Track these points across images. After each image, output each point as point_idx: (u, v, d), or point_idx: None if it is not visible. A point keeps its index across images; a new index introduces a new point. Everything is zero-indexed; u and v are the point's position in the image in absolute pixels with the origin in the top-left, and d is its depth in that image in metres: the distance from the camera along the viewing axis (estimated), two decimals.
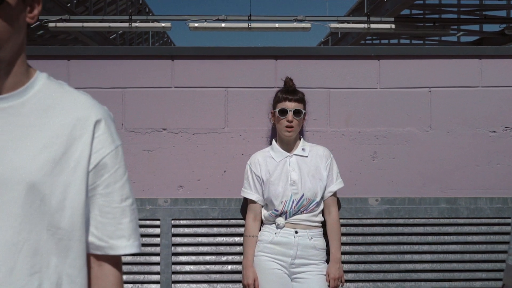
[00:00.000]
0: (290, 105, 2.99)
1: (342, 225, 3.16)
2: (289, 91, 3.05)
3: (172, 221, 3.23)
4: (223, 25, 10.55)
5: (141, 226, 3.19)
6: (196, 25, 10.20)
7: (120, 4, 17.56)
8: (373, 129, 3.31)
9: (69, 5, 12.71)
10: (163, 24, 10.56)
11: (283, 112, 2.99)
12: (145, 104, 3.31)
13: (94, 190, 1.23)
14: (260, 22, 11.04)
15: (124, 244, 1.25)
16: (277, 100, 3.06)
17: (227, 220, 3.25)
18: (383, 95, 3.33)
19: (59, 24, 9.99)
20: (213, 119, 3.30)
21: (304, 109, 3.06)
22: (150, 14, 17.09)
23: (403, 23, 11.24)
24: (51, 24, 10.07)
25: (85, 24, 10.17)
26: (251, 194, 3.03)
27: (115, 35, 18.35)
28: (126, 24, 10.24)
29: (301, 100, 3.05)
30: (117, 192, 1.25)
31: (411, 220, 3.27)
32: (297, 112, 2.99)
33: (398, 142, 3.31)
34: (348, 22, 11.24)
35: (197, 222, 3.25)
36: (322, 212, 3.03)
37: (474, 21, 12.54)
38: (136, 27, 10.20)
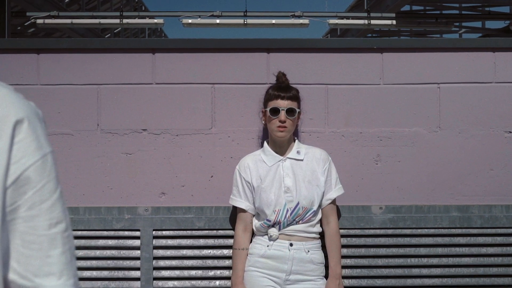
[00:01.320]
0: (283, 103, 2.81)
1: (342, 236, 3.00)
2: (282, 87, 2.87)
3: (154, 232, 3.06)
4: (217, 21, 10.47)
5: (119, 237, 3.04)
6: (190, 21, 10.10)
7: (115, 2, 17.40)
8: (376, 130, 3.14)
9: (61, 3, 12.57)
10: (155, 21, 10.45)
11: (275, 111, 2.80)
12: (123, 102, 3.12)
13: (15, 213, 0.96)
14: (256, 18, 11.00)
15: (53, 283, 0.98)
16: (268, 97, 2.87)
17: (215, 231, 3.08)
18: (387, 92, 3.15)
19: (48, 21, 9.84)
20: (198, 119, 3.12)
21: (299, 107, 2.88)
22: (143, 8, 16.94)
23: (404, 19, 11.14)
24: (39, 21, 9.93)
25: (75, 21, 10.01)
26: (240, 202, 2.85)
27: (109, 34, 18.20)
28: (117, 21, 10.08)
29: (295, 97, 2.86)
30: (45, 214, 0.98)
31: (419, 230, 3.10)
32: (290, 111, 2.80)
33: (403, 143, 3.13)
34: (347, 18, 11.15)
35: (181, 233, 3.07)
36: (320, 222, 2.86)
37: (478, 17, 12.42)
38: (127, 23, 10.03)
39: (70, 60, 3.12)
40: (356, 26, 11.13)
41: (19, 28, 14.00)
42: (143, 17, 10.68)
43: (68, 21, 9.97)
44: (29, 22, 11.78)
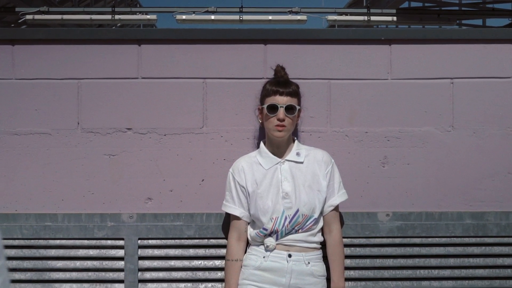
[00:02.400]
0: (282, 100, 2.65)
1: (346, 245, 2.89)
2: (280, 82, 2.71)
3: (139, 241, 2.93)
4: (212, 17, 10.35)
5: (102, 246, 2.92)
6: (184, 17, 9.98)
7: (109, 0, 17.23)
8: (383, 129, 3.01)
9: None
10: (148, 17, 10.29)
11: (273, 108, 2.64)
12: (106, 98, 2.97)
13: None
14: (253, 14, 10.89)
15: None
16: (265, 93, 2.72)
17: (206, 240, 2.95)
18: (395, 88, 3.01)
19: (37, 17, 9.67)
20: (188, 117, 2.98)
21: (299, 104, 2.72)
22: (138, 6, 16.87)
23: (405, 14, 11.03)
24: (28, 17, 9.75)
25: (65, 17, 9.83)
26: (234, 208, 2.71)
27: None
28: (109, 17, 9.89)
29: (295, 93, 2.70)
30: None
31: (430, 239, 2.98)
32: (289, 108, 2.64)
33: (413, 144, 3.00)
34: (346, 14, 11.04)
35: (169, 242, 2.95)
36: (322, 230, 2.72)
37: (481, 14, 12.29)
38: (119, 19, 9.84)
39: (48, 52, 2.97)
40: (356, 23, 10.97)
41: (12, 25, 13.82)
42: (136, 13, 10.52)
43: (59, 17, 9.80)
44: (23, 19, 11.62)
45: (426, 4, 13.77)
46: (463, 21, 13.78)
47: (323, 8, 11.35)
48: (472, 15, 12.13)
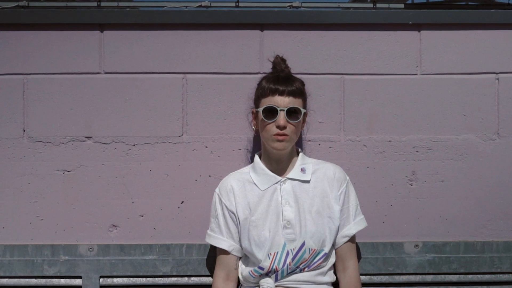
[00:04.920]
0: (282, 101, 2.36)
1: (364, 284, 2.60)
2: (281, 78, 2.42)
3: (101, 280, 2.66)
4: None
5: (53, 287, 2.71)
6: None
7: None
8: (410, 137, 2.75)
9: None
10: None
11: (271, 112, 2.35)
12: (59, 99, 2.69)
13: None
14: (250, 8, 10.88)
15: None
16: (261, 93, 2.43)
17: (186, 278, 2.68)
18: (425, 85, 2.74)
19: (17, 11, 9.55)
20: (164, 122, 2.72)
21: (304, 106, 2.43)
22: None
23: (413, 9, 11.01)
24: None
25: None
26: (221, 240, 2.43)
27: None
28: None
29: (299, 92, 2.41)
30: None
31: (469, 276, 2.72)
32: (292, 112, 2.36)
33: (448, 156, 2.74)
34: (350, 9, 11.09)
35: (139, 280, 2.67)
36: (334, 267, 2.44)
37: (495, 8, 12.37)
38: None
39: None
40: None
41: None
42: (124, 7, 10.52)
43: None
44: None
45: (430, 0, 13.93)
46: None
47: (326, 2, 11.42)
48: (484, 8, 12.16)
